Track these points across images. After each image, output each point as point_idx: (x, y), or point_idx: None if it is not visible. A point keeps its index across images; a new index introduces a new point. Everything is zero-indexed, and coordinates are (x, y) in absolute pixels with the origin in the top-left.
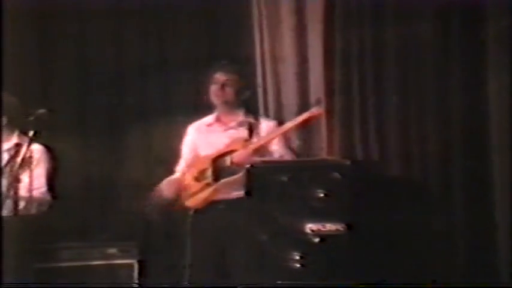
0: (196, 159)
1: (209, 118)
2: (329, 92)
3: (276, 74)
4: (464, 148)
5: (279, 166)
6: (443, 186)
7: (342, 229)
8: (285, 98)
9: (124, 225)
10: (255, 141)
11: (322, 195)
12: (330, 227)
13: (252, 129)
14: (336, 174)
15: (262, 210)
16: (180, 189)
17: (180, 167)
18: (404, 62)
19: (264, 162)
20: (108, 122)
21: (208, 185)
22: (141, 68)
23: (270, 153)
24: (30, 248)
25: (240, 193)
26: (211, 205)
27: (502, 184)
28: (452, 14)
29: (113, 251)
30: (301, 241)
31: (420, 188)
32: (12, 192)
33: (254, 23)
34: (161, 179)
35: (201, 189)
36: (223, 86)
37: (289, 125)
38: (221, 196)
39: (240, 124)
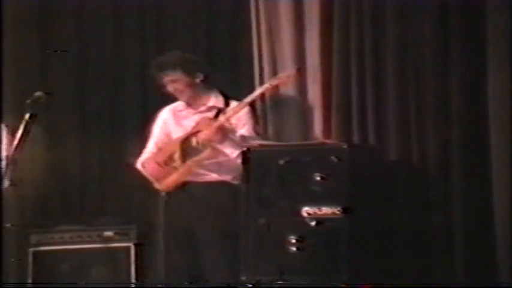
0: (165, 143)
1: (179, 104)
2: (327, 80)
3: (274, 74)
4: (463, 132)
5: (276, 150)
6: (442, 170)
7: (338, 212)
8: (283, 94)
9: (122, 208)
10: (218, 120)
11: (319, 178)
12: (325, 210)
13: (219, 112)
14: (333, 158)
15: (260, 194)
16: (152, 171)
17: (149, 149)
18: (403, 54)
19: (261, 145)
20: (107, 119)
21: (176, 167)
22: (140, 68)
23: (237, 136)
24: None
25: (212, 176)
26: (182, 189)
27: (500, 166)
28: (452, 12)
29: (109, 234)
30: (298, 224)
31: (418, 171)
32: None
33: (252, 23)
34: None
35: (170, 173)
36: (172, 85)
37: (251, 96)
38: (192, 179)
39: (209, 109)
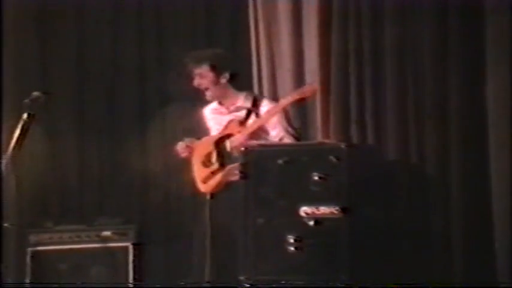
0: (199, 141)
1: (214, 104)
2: (324, 73)
3: (272, 74)
4: (462, 132)
5: (275, 149)
6: (441, 170)
7: (336, 212)
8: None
9: (122, 208)
10: (250, 124)
11: (317, 178)
12: (324, 210)
13: (249, 113)
14: (332, 158)
15: (259, 193)
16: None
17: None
18: (402, 55)
19: (260, 145)
20: (107, 119)
21: (216, 171)
22: (140, 67)
23: (269, 137)
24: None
25: None
26: (225, 189)
27: (499, 166)
28: (450, 12)
29: (108, 233)
30: (296, 224)
31: (417, 171)
32: None
33: (250, 24)
34: (159, 169)
35: (211, 176)
36: (198, 80)
37: (283, 102)
38: (233, 179)
39: (237, 109)
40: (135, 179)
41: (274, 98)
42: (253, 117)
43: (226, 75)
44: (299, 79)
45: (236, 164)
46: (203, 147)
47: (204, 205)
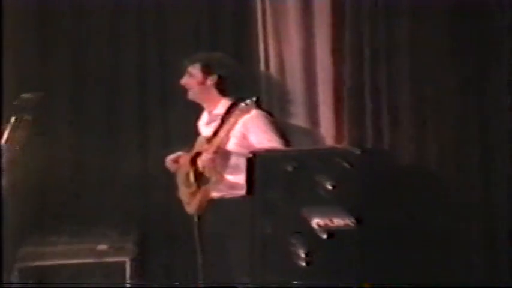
0: (182, 158)
1: (204, 114)
2: (338, 80)
3: (282, 73)
4: (482, 136)
5: (283, 155)
6: (460, 177)
7: (351, 224)
8: (292, 96)
9: (119, 220)
10: (214, 141)
11: (330, 186)
12: (338, 221)
13: (222, 123)
14: (345, 164)
15: (265, 203)
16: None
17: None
18: (417, 53)
19: (267, 151)
20: (105, 120)
21: (195, 191)
22: (140, 70)
23: (250, 146)
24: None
25: (232, 192)
26: (211, 207)
27: None
28: (467, 10)
29: (103, 247)
30: (307, 237)
31: (436, 179)
32: None
33: (258, 20)
34: (157, 175)
35: (192, 196)
36: (185, 79)
37: (224, 131)
38: (216, 195)
39: (215, 117)
40: (133, 186)
41: (285, 102)
42: (223, 128)
43: (214, 77)
44: (310, 80)
45: (209, 185)
46: (184, 166)
47: (193, 227)
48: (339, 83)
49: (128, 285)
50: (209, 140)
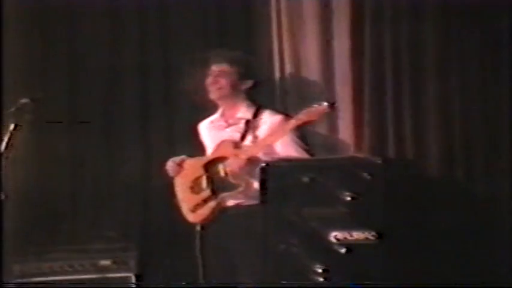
0: (188, 163)
1: (216, 114)
2: (358, 82)
3: (297, 74)
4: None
5: (299, 165)
6: (489, 188)
7: (371, 238)
8: (308, 98)
9: (120, 232)
10: (246, 147)
11: (349, 198)
12: (357, 235)
13: (248, 128)
14: (365, 175)
15: (280, 216)
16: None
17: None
18: (445, 54)
19: (281, 160)
20: (104, 122)
21: (208, 199)
22: (141, 67)
23: (275, 154)
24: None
25: (250, 201)
26: (218, 217)
27: None
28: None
29: (106, 262)
30: (325, 251)
31: (463, 190)
32: None
33: (272, 22)
34: (159, 180)
35: (202, 204)
36: (216, 77)
37: (286, 126)
38: (231, 203)
39: (237, 121)
40: (135, 196)
41: (300, 108)
42: (250, 133)
43: (249, 82)
44: (328, 85)
45: (230, 193)
46: (191, 170)
47: (194, 237)
48: (358, 86)
49: (128, 285)
50: (237, 144)
